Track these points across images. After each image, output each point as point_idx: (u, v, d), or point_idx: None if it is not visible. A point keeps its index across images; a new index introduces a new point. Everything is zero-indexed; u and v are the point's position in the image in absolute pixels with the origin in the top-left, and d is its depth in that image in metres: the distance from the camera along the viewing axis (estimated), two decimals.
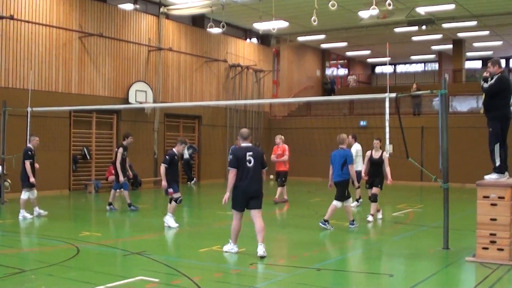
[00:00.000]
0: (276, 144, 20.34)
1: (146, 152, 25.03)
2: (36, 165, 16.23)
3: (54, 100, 21.57)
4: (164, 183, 14.24)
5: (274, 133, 32.73)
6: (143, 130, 25.87)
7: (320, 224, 14.22)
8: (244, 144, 11.07)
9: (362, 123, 30.36)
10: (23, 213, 15.85)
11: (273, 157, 20.30)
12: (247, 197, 10.76)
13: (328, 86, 40.41)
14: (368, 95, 15.18)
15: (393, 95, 12.23)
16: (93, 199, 22.02)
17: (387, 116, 12.28)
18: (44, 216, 15.98)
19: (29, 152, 16.00)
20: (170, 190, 14.30)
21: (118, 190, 18.13)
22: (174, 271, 9.36)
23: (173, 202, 14.36)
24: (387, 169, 15.66)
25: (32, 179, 15.85)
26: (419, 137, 28.47)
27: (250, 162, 10.78)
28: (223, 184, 26.37)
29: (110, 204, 17.99)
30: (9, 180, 19.98)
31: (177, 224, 14.28)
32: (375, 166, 15.69)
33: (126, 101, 25.09)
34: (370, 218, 15.60)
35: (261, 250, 10.64)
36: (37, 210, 16.15)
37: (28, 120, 18.24)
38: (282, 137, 20.41)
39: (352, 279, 9.52)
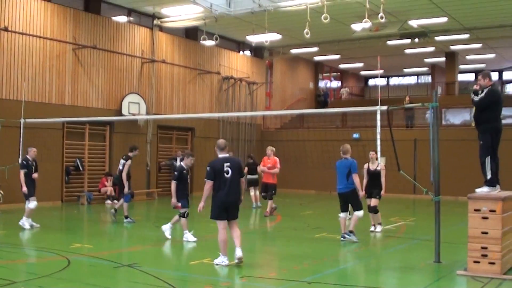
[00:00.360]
0: (267, 156, 20.21)
1: (139, 164, 24.95)
2: (35, 175, 16.19)
3: (47, 112, 21.56)
4: (173, 200, 14.02)
5: (267, 145, 32.66)
6: (136, 142, 25.59)
7: (344, 237, 14.11)
8: (221, 155, 11.24)
9: (355, 135, 30.40)
10: (29, 222, 15.99)
11: (263, 168, 20.22)
12: (226, 206, 10.95)
13: (321, 99, 40.48)
14: (360, 107, 15.25)
15: (384, 107, 12.29)
16: (85, 210, 21.99)
17: (378, 129, 12.33)
18: (29, 229, 15.85)
19: (24, 162, 16.03)
20: (178, 204, 14.09)
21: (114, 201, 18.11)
22: (164, 283, 9.34)
23: (182, 218, 14.12)
24: (383, 180, 15.76)
25: (24, 189, 15.85)
26: (412, 149, 28.55)
27: (227, 173, 10.97)
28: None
29: (126, 217, 17.75)
30: (1, 191, 19.97)
31: (194, 239, 14.01)
32: (372, 178, 15.77)
33: (119, 113, 25.11)
34: (372, 228, 15.92)
35: (239, 252, 10.95)
36: (24, 220, 16.06)
37: (21, 131, 18.24)
38: (273, 149, 20.34)
39: None
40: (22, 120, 18.29)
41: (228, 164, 11.04)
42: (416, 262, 11.85)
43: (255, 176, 22.99)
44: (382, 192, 15.76)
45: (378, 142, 12.42)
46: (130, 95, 25.85)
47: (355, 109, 18.63)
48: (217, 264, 10.97)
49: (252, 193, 22.85)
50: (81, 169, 24.09)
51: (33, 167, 16.18)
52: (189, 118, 28.49)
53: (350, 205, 14.23)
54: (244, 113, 32.15)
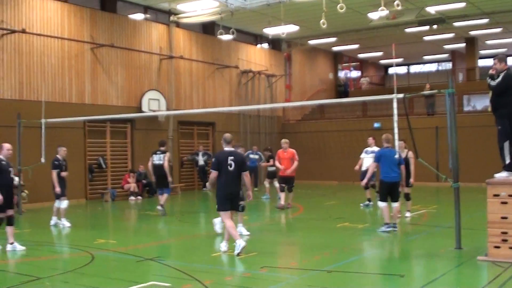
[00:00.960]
0: (283, 149, 19.70)
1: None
2: (64, 174, 16.34)
3: (68, 111, 21.76)
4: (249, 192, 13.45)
5: (288, 137, 32.79)
6: (157, 138, 25.77)
7: (384, 229, 13.95)
8: (226, 148, 11.72)
9: (376, 125, 30.36)
10: (62, 222, 16.15)
11: (279, 166, 19.75)
12: (229, 198, 11.42)
13: (342, 89, 40.42)
14: (376, 96, 15.23)
15: (401, 95, 12.27)
16: (109, 207, 22.21)
17: (395, 117, 12.33)
18: (63, 228, 16.06)
19: (55, 162, 16.19)
20: None
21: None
22: (186, 276, 9.46)
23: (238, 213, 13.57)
24: (412, 168, 15.91)
25: (57, 189, 16.03)
26: (434, 137, 28.41)
27: (231, 166, 11.43)
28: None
29: (162, 206, 18.40)
30: (26, 191, 20.23)
31: (248, 233, 13.75)
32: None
33: (139, 110, 25.28)
34: (408, 214, 16.36)
35: (224, 246, 11.59)
36: (54, 219, 16.30)
37: (43, 131, 18.44)
38: (288, 141, 19.99)
39: (362, 280, 9.55)
40: (43, 121, 18.48)
41: (232, 157, 11.51)
42: (437, 249, 11.84)
43: (274, 169, 22.80)
44: (412, 180, 15.93)
45: (396, 130, 12.43)
46: (149, 92, 26.01)
47: (372, 98, 18.56)
48: (238, 254, 11.14)
49: (268, 185, 23.01)
50: (104, 166, 24.31)
51: (64, 166, 16.36)
52: (209, 112, 28.52)
53: (388, 195, 14.02)
54: (264, 106, 32.24)
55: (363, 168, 19.41)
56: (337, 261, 10.90)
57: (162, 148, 18.86)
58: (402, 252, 12.20)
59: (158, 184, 18.88)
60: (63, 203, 16.19)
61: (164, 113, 25.72)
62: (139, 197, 24.36)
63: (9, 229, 12.19)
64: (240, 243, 11.17)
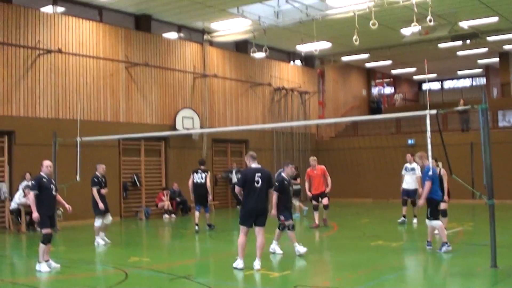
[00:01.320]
0: (311, 167, 19.30)
1: None
2: (103, 191, 16.46)
3: (103, 130, 22.00)
4: (273, 211, 13.37)
5: (322, 154, 32.82)
6: (191, 156, 26.17)
7: (445, 249, 13.48)
8: (253, 165, 11.94)
9: (410, 141, 30.16)
10: (97, 240, 16.18)
11: (308, 193, 19.57)
12: (254, 214, 11.56)
13: (375, 105, 40.23)
14: (409, 112, 15.11)
15: (434, 111, 12.17)
16: (143, 225, 22.35)
17: (428, 133, 12.22)
18: (97, 245, 16.14)
19: (95, 179, 16.34)
20: (282, 217, 13.49)
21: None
22: None
23: (288, 232, 13.47)
24: (445, 185, 15.71)
25: (100, 205, 16.12)
26: (469, 153, 28.08)
27: (258, 183, 11.65)
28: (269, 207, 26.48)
29: (209, 225, 19.33)
30: (61, 209, 20.40)
31: (305, 249, 13.43)
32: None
33: (173, 128, 25.46)
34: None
35: (257, 264, 11.49)
36: (98, 238, 16.33)
37: (78, 150, 18.65)
38: (316, 158, 19.79)
39: None
40: (78, 139, 18.69)
41: (259, 174, 11.75)
42: (473, 267, 11.69)
43: (298, 186, 22.86)
44: (445, 197, 15.72)
45: (429, 147, 12.31)
46: (183, 110, 26.19)
47: (405, 114, 18.27)
48: (234, 268, 11.49)
49: (296, 203, 22.64)
50: (138, 184, 24.50)
51: (103, 183, 16.49)
52: (242, 130, 28.58)
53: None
54: (297, 123, 32.24)
55: (404, 186, 19.36)
56: (370, 279, 10.83)
57: (203, 167, 19.46)
58: (437, 270, 12.07)
59: (197, 202, 19.19)
60: (107, 219, 16.28)
61: (198, 131, 25.87)
62: (173, 215, 24.46)
63: (47, 247, 12.27)
64: (256, 264, 11.43)
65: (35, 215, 11.93)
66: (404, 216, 19.41)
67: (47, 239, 12.10)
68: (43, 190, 12.12)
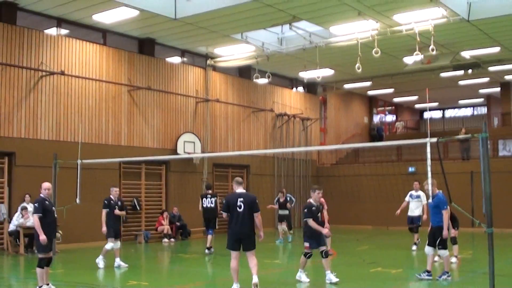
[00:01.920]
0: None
1: (195, 202, 25.12)
2: (118, 212, 16.46)
3: (104, 152, 22.06)
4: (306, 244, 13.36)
5: (323, 181, 32.84)
6: (192, 181, 26.19)
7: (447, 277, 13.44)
8: (238, 190, 12.07)
9: (411, 169, 30.17)
10: (98, 259, 16.18)
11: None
12: (238, 238, 11.83)
13: (374, 133, 40.29)
14: (410, 140, 15.19)
15: (434, 139, 12.20)
16: (143, 249, 22.28)
17: (428, 161, 12.23)
18: (124, 268, 16.14)
19: (105, 202, 16.34)
20: (306, 244, 13.40)
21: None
22: None
23: (302, 257, 13.44)
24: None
25: (103, 229, 16.11)
26: (469, 182, 28.08)
27: (240, 207, 11.79)
28: (271, 232, 26.43)
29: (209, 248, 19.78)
30: (60, 231, 20.37)
31: (308, 279, 13.36)
32: None
33: (174, 152, 25.49)
34: (453, 259, 16.05)
35: (255, 278, 11.61)
36: (118, 261, 16.30)
37: (79, 172, 18.65)
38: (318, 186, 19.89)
39: None
40: (79, 161, 18.70)
41: (242, 199, 11.86)
42: None
43: (286, 212, 23.75)
44: (452, 230, 15.93)
45: (429, 175, 12.31)
46: (185, 134, 26.25)
47: (405, 142, 18.55)
48: None
49: (280, 227, 23.52)
50: (138, 208, 24.46)
51: (116, 207, 16.41)
52: (244, 155, 28.61)
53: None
54: (298, 149, 32.33)
55: (410, 213, 19.37)
56: None
57: (210, 191, 20.40)
58: None
59: (208, 226, 20.07)
60: (108, 245, 16.17)
61: (199, 156, 25.90)
62: (173, 240, 24.41)
63: (45, 270, 12.22)
64: (254, 279, 11.56)
65: (42, 237, 11.78)
66: (416, 243, 19.44)
67: (44, 263, 12.02)
68: (46, 213, 12.08)
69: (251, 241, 11.87)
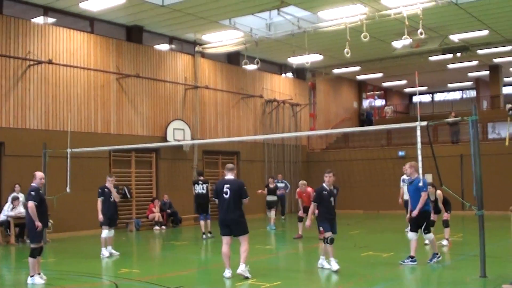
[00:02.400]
0: (300, 189, 19.76)
1: (186, 189, 25.12)
2: (116, 195, 16.61)
3: (93, 141, 21.96)
4: (308, 223, 13.26)
5: (313, 166, 32.93)
6: (182, 168, 26.17)
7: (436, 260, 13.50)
8: (226, 177, 12.25)
9: (400, 153, 30.26)
10: (102, 251, 16.10)
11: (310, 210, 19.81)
12: (226, 224, 12.05)
13: (364, 118, 40.33)
14: (400, 124, 15.20)
15: (424, 123, 12.22)
16: (134, 237, 22.26)
17: (419, 145, 12.27)
18: (116, 256, 16.11)
19: (99, 190, 16.26)
20: (321, 228, 13.28)
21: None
22: None
23: (322, 243, 13.12)
24: (440, 205, 16.38)
25: (99, 217, 16.05)
26: (459, 165, 28.22)
27: (226, 194, 11.99)
28: (262, 218, 26.49)
29: (210, 232, 20.24)
30: (51, 221, 20.32)
31: (338, 266, 12.57)
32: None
33: (164, 139, 25.44)
34: (445, 242, 16.36)
35: (240, 269, 11.80)
36: (110, 249, 16.26)
37: (68, 161, 18.60)
38: (305, 182, 19.96)
39: None
40: (68, 150, 18.64)
41: (228, 186, 12.05)
42: (462, 277, 11.76)
43: (275, 198, 24.23)
44: (446, 213, 16.48)
45: (419, 158, 12.35)
46: (174, 122, 26.19)
47: (395, 125, 18.51)
48: (224, 277, 11.81)
49: (270, 214, 23.65)
50: (128, 196, 24.41)
51: (111, 194, 16.34)
52: (233, 141, 28.60)
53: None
54: (288, 134, 32.32)
55: (405, 197, 19.06)
56: None
57: (202, 178, 20.70)
58: (426, 280, 12.07)
59: (200, 211, 20.34)
60: (103, 232, 16.12)
61: (189, 143, 25.84)
62: (163, 227, 24.42)
63: (37, 260, 12.19)
64: (240, 268, 11.77)
65: (38, 224, 11.84)
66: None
67: (37, 253, 12.02)
68: (41, 202, 12.08)
69: (240, 227, 11.99)
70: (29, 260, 11.98)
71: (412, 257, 13.34)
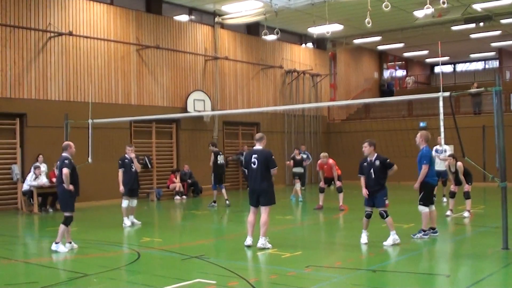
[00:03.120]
0: (321, 161, 19.50)
1: (206, 160, 25.16)
2: (138, 165, 16.67)
3: (114, 112, 22.05)
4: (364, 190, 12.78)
5: (333, 137, 32.88)
6: (202, 138, 26.22)
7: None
8: (255, 147, 12.27)
9: (422, 124, 30.05)
10: (124, 221, 16.27)
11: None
12: (254, 194, 12.11)
13: (384, 88, 40.10)
14: (422, 95, 15.09)
15: (447, 94, 12.10)
16: (155, 207, 22.42)
17: (441, 116, 12.16)
18: (138, 225, 16.28)
19: (119, 162, 16.40)
20: (387, 202, 12.82)
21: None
22: (231, 274, 9.51)
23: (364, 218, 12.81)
24: (461, 177, 16.34)
25: (120, 188, 16.24)
26: (480, 136, 28.01)
27: (254, 164, 12.03)
28: (283, 189, 26.55)
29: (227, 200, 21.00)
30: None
31: (365, 240, 12.49)
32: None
33: (184, 110, 25.49)
34: (466, 213, 16.45)
35: (259, 242, 11.80)
36: (131, 218, 16.44)
37: (90, 132, 18.69)
38: (326, 154, 19.73)
39: (407, 280, 9.47)
40: (90, 121, 18.72)
41: (256, 155, 12.07)
42: (484, 249, 11.71)
43: (301, 170, 23.95)
44: (467, 185, 16.53)
45: (442, 129, 12.24)
46: (194, 93, 26.21)
47: (417, 96, 18.44)
48: (245, 245, 11.98)
49: (296, 185, 22.95)
50: (149, 166, 24.55)
51: (132, 164, 16.42)
52: (253, 112, 28.64)
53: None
54: (308, 105, 32.30)
55: (437, 168, 18.67)
56: (382, 261, 10.88)
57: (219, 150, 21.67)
58: (448, 252, 12.05)
59: (217, 181, 20.94)
60: (123, 203, 16.32)
61: (209, 114, 25.89)
62: (184, 197, 24.57)
63: (68, 228, 12.32)
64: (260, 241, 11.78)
65: (71, 187, 12.05)
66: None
67: (69, 221, 12.19)
68: (73, 170, 12.24)
69: (267, 197, 11.99)
70: (61, 227, 12.13)
71: (423, 230, 13.15)
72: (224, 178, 21.15)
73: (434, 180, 13.39)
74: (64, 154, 12.39)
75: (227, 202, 20.85)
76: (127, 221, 16.24)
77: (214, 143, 21.66)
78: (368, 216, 12.61)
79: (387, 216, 12.43)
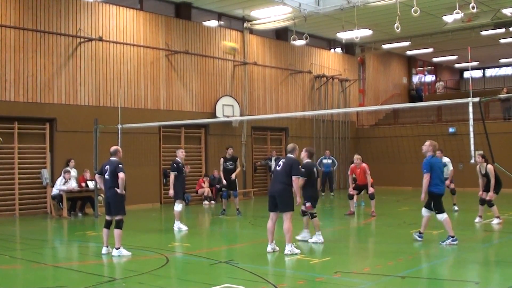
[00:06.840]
0: (355, 164, 19.40)
1: None
2: (187, 168, 17.06)
3: (143, 117, 22.22)
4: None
5: (362, 142, 32.75)
6: (231, 143, 26.08)
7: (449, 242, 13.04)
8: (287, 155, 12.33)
9: (451, 129, 29.83)
10: (178, 225, 16.45)
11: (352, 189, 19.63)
12: (272, 196, 12.08)
13: (414, 93, 39.88)
14: (451, 100, 14.97)
15: (476, 99, 12.02)
16: (183, 211, 22.45)
17: (471, 121, 12.10)
18: (185, 231, 16.35)
19: (174, 165, 16.56)
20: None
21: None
22: (260, 279, 9.53)
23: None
24: (492, 182, 16.17)
25: (170, 192, 16.45)
26: (510, 142, 27.70)
27: (279, 166, 12.20)
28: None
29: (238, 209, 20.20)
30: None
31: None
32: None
33: (213, 115, 25.59)
34: (496, 220, 16.26)
35: (286, 249, 11.78)
36: (178, 224, 16.57)
37: (119, 136, 18.86)
38: (360, 156, 19.62)
39: (436, 287, 9.42)
40: (119, 126, 18.89)
41: (283, 160, 12.24)
42: None
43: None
44: (491, 193, 16.30)
45: (471, 135, 12.18)
46: (223, 98, 26.31)
47: (446, 102, 18.23)
48: (267, 252, 11.99)
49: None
50: (184, 173, 24.56)
51: (183, 168, 16.71)
52: (282, 117, 28.63)
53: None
54: (337, 110, 32.18)
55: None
56: (410, 267, 10.81)
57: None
58: (477, 259, 11.94)
59: (233, 188, 20.23)
60: (177, 206, 16.50)
61: (238, 119, 25.95)
62: (213, 202, 24.62)
63: (108, 232, 12.49)
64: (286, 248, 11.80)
65: (124, 192, 12.29)
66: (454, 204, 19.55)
67: (122, 224, 12.36)
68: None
69: (284, 202, 11.88)
70: (116, 231, 12.23)
71: (452, 236, 12.96)
72: (234, 184, 20.13)
73: (439, 189, 13.12)
74: (113, 158, 12.53)
75: (238, 211, 20.11)
76: (182, 226, 16.43)
77: (227, 147, 20.99)
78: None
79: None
